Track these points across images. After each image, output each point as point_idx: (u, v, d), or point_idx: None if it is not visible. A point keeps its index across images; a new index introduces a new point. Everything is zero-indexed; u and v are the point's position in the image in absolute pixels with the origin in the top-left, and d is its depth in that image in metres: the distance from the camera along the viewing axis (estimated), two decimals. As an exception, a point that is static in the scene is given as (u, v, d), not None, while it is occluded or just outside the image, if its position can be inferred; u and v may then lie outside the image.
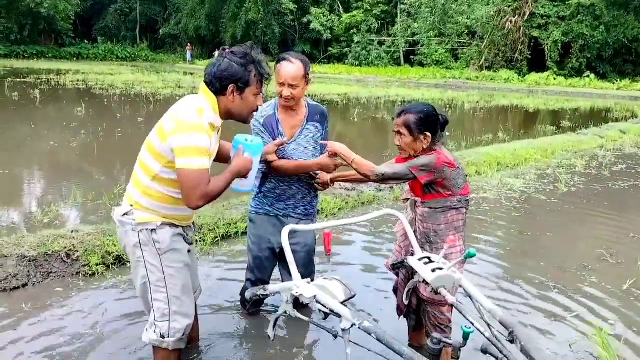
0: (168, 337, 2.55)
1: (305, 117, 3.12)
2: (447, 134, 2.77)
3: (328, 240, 2.07)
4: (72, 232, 4.31)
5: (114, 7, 47.56)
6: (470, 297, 2.17)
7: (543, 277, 4.34)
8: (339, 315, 1.91)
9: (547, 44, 31.40)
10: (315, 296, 1.95)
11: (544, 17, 31.73)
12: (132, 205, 2.47)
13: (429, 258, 2.26)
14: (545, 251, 4.94)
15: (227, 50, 2.43)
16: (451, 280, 2.18)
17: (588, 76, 29.78)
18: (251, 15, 40.31)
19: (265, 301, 3.60)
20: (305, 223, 3.17)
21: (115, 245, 4.18)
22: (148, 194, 2.43)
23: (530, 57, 32.49)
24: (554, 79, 29.98)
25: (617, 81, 28.85)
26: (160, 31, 48.04)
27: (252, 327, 3.42)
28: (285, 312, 2.10)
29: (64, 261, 3.99)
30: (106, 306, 3.55)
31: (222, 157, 2.72)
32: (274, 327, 2.17)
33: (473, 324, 2.00)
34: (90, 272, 3.98)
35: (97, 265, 4.02)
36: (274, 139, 3.05)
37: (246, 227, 4.95)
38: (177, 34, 47.92)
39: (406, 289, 2.53)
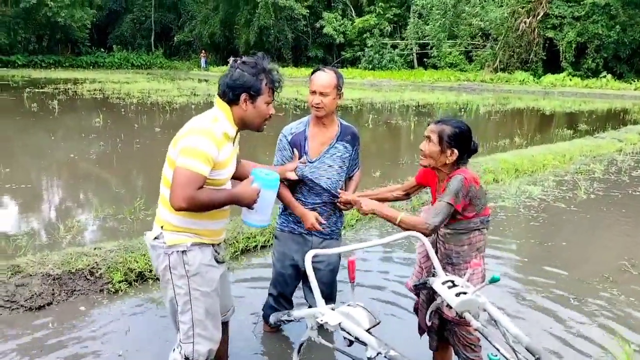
0: (191, 359, 2.57)
1: (337, 135, 3.14)
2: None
3: (352, 268, 2.07)
4: (95, 248, 4.37)
5: (130, 15, 48.14)
6: (495, 321, 2.17)
7: (563, 289, 4.31)
8: (364, 343, 1.92)
9: (562, 45, 31.12)
10: (340, 324, 1.97)
11: (559, 18, 31.45)
12: (162, 227, 2.48)
13: (452, 281, 2.27)
14: (565, 262, 4.90)
15: (239, 61, 2.49)
16: (475, 304, 2.18)
17: (605, 76, 29.43)
18: (264, 21, 40.55)
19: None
20: (330, 242, 3.18)
21: (137, 262, 4.24)
22: (177, 212, 2.40)
23: (545, 58, 32.23)
24: (570, 79, 29.69)
25: (634, 81, 28.46)
26: (175, 38, 48.48)
27: (274, 343, 3.44)
28: (310, 338, 2.12)
29: (88, 279, 4.05)
30: (129, 324, 3.60)
31: (240, 177, 2.72)
32: (298, 352, 2.19)
33: (499, 350, 2.01)
34: (113, 290, 4.03)
35: (119, 282, 4.07)
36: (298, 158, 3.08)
37: (265, 240, 5.04)
38: (191, 41, 48.37)
39: (429, 311, 2.53)
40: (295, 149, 3.11)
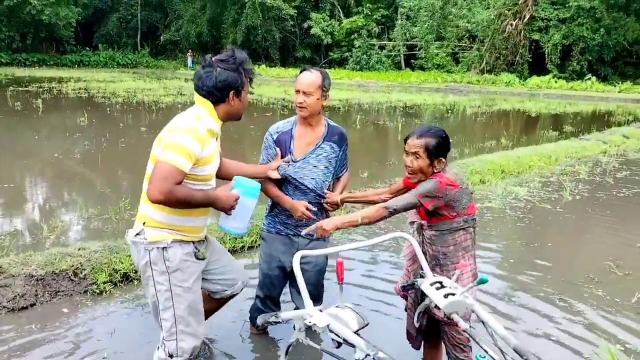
0: (176, 356, 2.57)
1: (323, 136, 3.12)
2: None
3: (341, 269, 2.06)
4: (79, 249, 4.31)
5: (115, 14, 47.74)
6: (483, 322, 2.17)
7: (549, 289, 4.33)
8: (352, 345, 1.91)
9: (547, 47, 31.46)
10: (328, 325, 1.95)
11: (544, 20, 31.78)
12: (144, 224, 2.50)
13: (440, 282, 2.26)
14: (551, 263, 4.93)
15: (215, 59, 2.52)
16: (464, 306, 2.18)
17: (589, 79, 29.80)
18: (251, 20, 40.46)
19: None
20: (317, 243, 3.16)
21: (122, 263, 4.19)
22: (158, 207, 2.44)
23: (531, 60, 32.54)
24: (555, 82, 29.99)
25: (618, 84, 28.83)
26: (161, 38, 48.18)
27: (261, 345, 3.42)
28: (298, 340, 2.10)
29: (72, 280, 3.99)
30: (114, 326, 3.55)
31: (220, 175, 2.77)
32: (286, 354, 2.17)
33: (487, 352, 2.01)
34: (97, 291, 3.98)
35: (104, 283, 4.02)
36: (282, 157, 3.06)
37: (252, 241, 5.01)
38: (178, 40, 48.09)
39: (417, 312, 2.53)
40: (278, 148, 3.09)
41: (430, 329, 2.88)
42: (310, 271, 3.20)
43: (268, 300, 3.34)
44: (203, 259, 2.67)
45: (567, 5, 30.71)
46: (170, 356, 2.56)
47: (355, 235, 5.53)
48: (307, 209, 3.04)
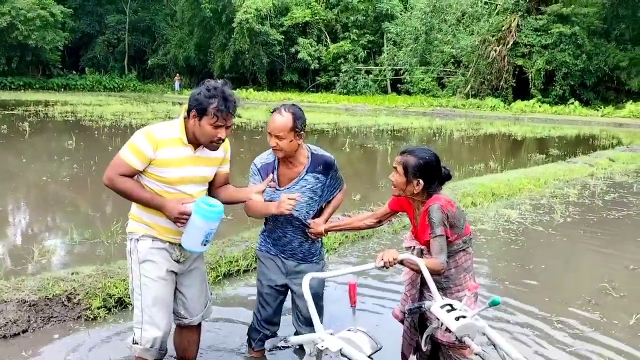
0: (139, 344, 2.74)
1: (306, 168, 3.07)
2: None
3: (354, 292, 2.03)
4: (72, 274, 4.22)
5: (102, 38, 47.82)
6: (494, 345, 2.15)
7: (546, 311, 4.32)
8: (366, 370, 1.88)
9: (531, 72, 31.95)
10: (340, 349, 1.92)
11: (527, 46, 32.35)
12: (129, 215, 2.82)
13: (451, 305, 2.24)
14: (547, 285, 4.93)
15: (204, 80, 2.70)
16: (475, 329, 2.16)
17: (572, 103, 30.29)
18: (239, 45, 40.73)
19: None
20: (307, 266, 3.14)
21: (116, 287, 4.11)
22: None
23: (515, 85, 33.03)
24: (539, 106, 30.42)
25: (600, 108, 29.33)
26: (149, 62, 48.28)
27: (261, 371, 3.35)
28: (308, 365, 2.06)
29: (65, 305, 3.90)
30: (109, 354, 3.46)
31: (224, 199, 2.86)
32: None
33: (500, 375, 1.98)
34: (92, 316, 3.89)
35: (98, 308, 3.93)
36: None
37: (247, 264, 4.97)
38: (165, 64, 48.24)
39: (425, 335, 2.50)
40: (268, 173, 3.07)
41: (432, 353, 2.86)
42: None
43: (264, 322, 3.29)
44: (177, 261, 2.82)
45: (549, 31, 31.33)
46: (135, 343, 2.76)
47: (350, 257, 5.50)
48: (289, 200, 2.86)
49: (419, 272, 2.52)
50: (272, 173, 3.07)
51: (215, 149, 2.71)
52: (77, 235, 5.80)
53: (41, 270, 4.68)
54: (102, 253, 5.30)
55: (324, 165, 3.12)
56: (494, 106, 31.12)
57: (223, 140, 2.69)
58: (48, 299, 3.87)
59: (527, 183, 9.43)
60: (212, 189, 2.96)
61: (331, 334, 2.02)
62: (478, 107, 31.39)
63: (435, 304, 2.29)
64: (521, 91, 32.61)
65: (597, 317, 4.26)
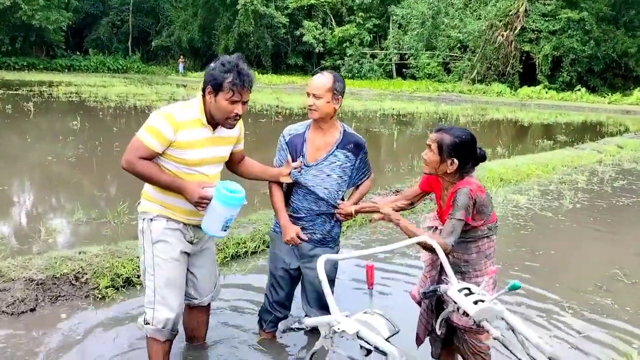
0: (150, 324, 2.71)
1: (337, 143, 3.03)
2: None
3: (371, 273, 1.98)
4: (80, 253, 4.20)
5: (106, 19, 47.45)
6: (512, 330, 2.10)
7: (558, 298, 4.28)
8: (384, 353, 1.83)
9: (538, 58, 31.67)
10: (358, 332, 1.87)
11: (535, 32, 32.02)
12: (142, 195, 2.77)
13: (469, 289, 2.19)
14: (558, 271, 4.89)
15: (218, 56, 2.68)
16: (493, 313, 2.11)
17: (579, 90, 30.04)
18: (243, 27, 40.37)
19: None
20: (322, 250, 3.06)
21: (124, 267, 4.08)
22: None
23: (521, 70, 32.74)
24: (546, 92, 30.20)
25: (607, 95, 29.07)
26: (153, 43, 47.89)
27: (272, 351, 3.31)
28: (323, 348, 2.01)
29: (73, 284, 3.88)
30: (117, 331, 3.45)
31: (241, 173, 3.03)
32: (309, 362, 2.08)
33: (521, 360, 1.94)
34: (100, 296, 3.87)
35: (106, 288, 3.91)
36: (294, 160, 2.99)
37: (255, 246, 4.93)
38: (169, 46, 47.84)
39: (440, 320, 2.46)
40: (289, 155, 3.03)
41: (446, 337, 2.82)
42: (316, 277, 3.10)
43: (275, 304, 3.24)
44: (191, 242, 2.78)
45: (557, 17, 30.99)
46: (147, 324, 2.73)
47: (357, 241, 5.45)
48: (298, 236, 2.99)
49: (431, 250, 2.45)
50: (301, 147, 3.01)
51: (232, 126, 2.67)
52: (83, 214, 5.76)
53: (48, 249, 4.64)
54: (109, 233, 5.26)
55: (355, 144, 3.08)
56: (500, 92, 30.90)
57: (240, 117, 2.66)
58: (56, 277, 3.85)
59: (535, 169, 9.35)
60: (232, 165, 2.98)
61: (347, 317, 1.97)
62: (484, 92, 31.17)
63: (452, 287, 2.24)
64: (528, 77, 32.33)
65: (609, 302, 4.22)
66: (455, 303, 2.19)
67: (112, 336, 3.39)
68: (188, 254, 2.82)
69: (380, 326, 1.92)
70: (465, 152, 2.55)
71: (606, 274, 4.81)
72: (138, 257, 3.37)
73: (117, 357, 3.16)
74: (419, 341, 2.92)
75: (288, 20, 41.26)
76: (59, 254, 4.15)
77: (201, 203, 2.57)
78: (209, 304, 3.12)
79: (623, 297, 4.33)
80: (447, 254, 2.55)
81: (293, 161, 3.01)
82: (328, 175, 3.01)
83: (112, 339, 3.35)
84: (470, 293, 2.17)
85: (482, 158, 2.65)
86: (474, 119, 20.02)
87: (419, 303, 2.88)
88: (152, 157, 2.59)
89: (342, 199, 3.11)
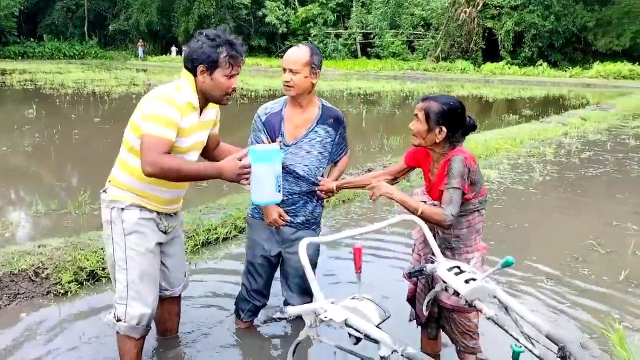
0: (123, 321, 2.52)
1: (316, 119, 2.87)
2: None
3: (359, 256, 1.84)
4: (39, 246, 3.94)
5: (60, 3, 45.69)
6: (506, 308, 2.00)
7: (536, 271, 4.24)
8: (375, 341, 1.70)
9: (500, 34, 31.99)
10: (346, 320, 1.73)
11: (497, 8, 32.28)
12: (109, 181, 2.54)
13: (458, 267, 2.07)
14: (533, 244, 4.86)
15: (199, 32, 2.47)
16: (485, 291, 2.00)
17: (541, 64, 30.49)
18: (204, 9, 39.44)
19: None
20: (304, 233, 2.90)
21: (88, 260, 3.85)
22: (124, 168, 2.48)
23: (484, 47, 33.00)
24: (509, 68, 30.57)
25: (568, 69, 29.61)
26: (110, 27, 46.41)
27: (249, 342, 3.15)
28: (309, 337, 1.87)
29: (32, 280, 3.63)
30: (82, 329, 3.23)
31: (216, 159, 2.72)
32: (293, 354, 1.94)
33: (519, 340, 1.83)
34: (62, 291, 3.62)
35: (69, 283, 3.67)
36: (272, 140, 2.81)
37: (226, 232, 4.74)
38: (127, 30, 46.43)
39: (426, 299, 2.34)
40: (266, 136, 2.85)
41: (439, 317, 2.71)
42: (298, 262, 2.96)
43: (253, 293, 3.06)
44: (165, 232, 2.62)
45: (518, -8, 31.28)
46: (119, 320, 2.54)
47: (332, 222, 5.32)
48: (281, 216, 2.83)
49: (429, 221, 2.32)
50: (279, 126, 2.84)
51: (227, 102, 2.52)
52: (42, 206, 5.46)
53: (4, 244, 4.34)
54: (70, 224, 5.00)
55: (335, 119, 2.93)
56: (464, 69, 31.15)
57: (235, 91, 2.50)
58: (13, 274, 3.59)
59: (504, 143, 9.38)
60: (207, 152, 2.76)
61: (333, 303, 1.83)
62: (448, 69, 31.38)
63: (441, 266, 2.12)
64: (491, 53, 32.66)
65: (586, 273, 4.21)
66: (445, 282, 2.08)
67: (77, 334, 3.17)
68: (161, 244, 2.64)
69: (370, 312, 1.79)
70: (453, 119, 2.43)
71: (581, 245, 4.81)
72: (103, 249, 3.16)
73: (84, 357, 2.95)
74: (419, 321, 2.81)
75: (250, 0, 40.50)
76: (16, 248, 3.89)
77: (243, 174, 2.39)
78: (179, 295, 2.96)
79: (600, 267, 4.33)
80: (445, 229, 2.43)
81: (272, 142, 2.83)
82: (308, 152, 2.86)
83: (77, 337, 3.13)
84: (461, 272, 2.06)
85: (473, 127, 2.53)
86: (440, 96, 20.04)
87: (415, 283, 2.76)
88: (171, 149, 2.33)
89: (322, 176, 2.96)
